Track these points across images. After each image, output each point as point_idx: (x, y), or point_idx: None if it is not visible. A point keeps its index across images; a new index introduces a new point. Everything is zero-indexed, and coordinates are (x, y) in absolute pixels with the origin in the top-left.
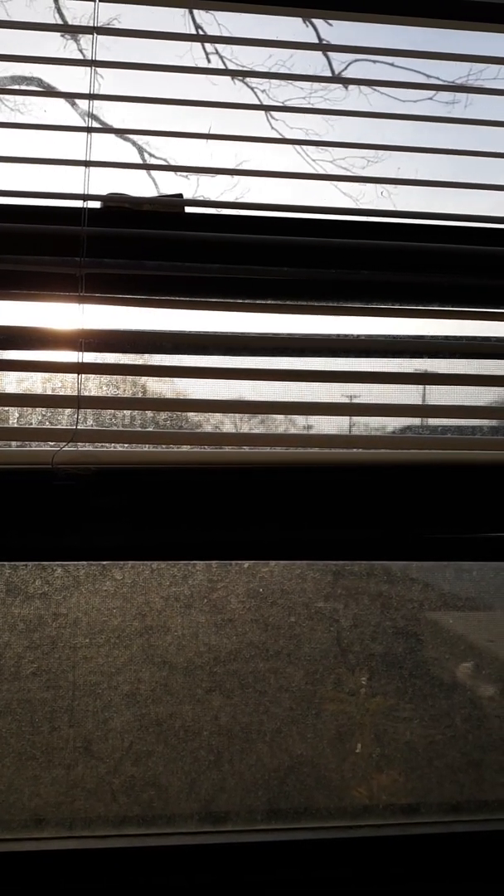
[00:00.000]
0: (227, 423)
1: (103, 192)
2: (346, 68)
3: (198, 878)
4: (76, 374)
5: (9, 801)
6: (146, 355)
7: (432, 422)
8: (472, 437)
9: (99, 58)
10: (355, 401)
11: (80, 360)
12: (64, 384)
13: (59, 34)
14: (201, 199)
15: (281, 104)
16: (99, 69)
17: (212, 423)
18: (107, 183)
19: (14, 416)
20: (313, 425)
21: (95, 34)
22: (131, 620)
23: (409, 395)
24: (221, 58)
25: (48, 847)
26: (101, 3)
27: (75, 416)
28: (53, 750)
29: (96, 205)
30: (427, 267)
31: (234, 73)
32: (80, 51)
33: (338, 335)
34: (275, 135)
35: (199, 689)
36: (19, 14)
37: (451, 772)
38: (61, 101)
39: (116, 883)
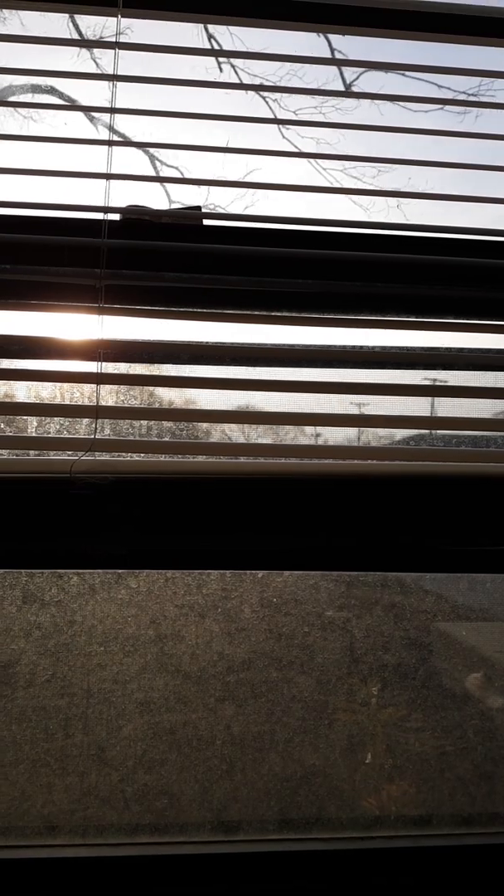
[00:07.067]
0: (239, 434)
1: (123, 204)
2: (357, 78)
3: (209, 888)
4: (95, 385)
5: (22, 807)
6: (163, 366)
7: (446, 433)
8: (486, 450)
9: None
10: (370, 412)
11: (98, 371)
12: (82, 394)
13: (76, 48)
14: (220, 211)
15: (293, 113)
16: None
17: (226, 433)
18: (125, 195)
19: (33, 425)
20: (328, 437)
21: (117, 49)
22: (145, 629)
23: (422, 406)
24: (234, 68)
25: (61, 854)
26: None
27: (93, 425)
28: (67, 757)
29: (116, 217)
30: (442, 279)
31: (249, 88)
32: (93, 59)
33: (353, 347)
34: (287, 143)
35: (211, 697)
36: (34, 24)
37: (463, 784)
38: (80, 114)
39: (128, 891)
